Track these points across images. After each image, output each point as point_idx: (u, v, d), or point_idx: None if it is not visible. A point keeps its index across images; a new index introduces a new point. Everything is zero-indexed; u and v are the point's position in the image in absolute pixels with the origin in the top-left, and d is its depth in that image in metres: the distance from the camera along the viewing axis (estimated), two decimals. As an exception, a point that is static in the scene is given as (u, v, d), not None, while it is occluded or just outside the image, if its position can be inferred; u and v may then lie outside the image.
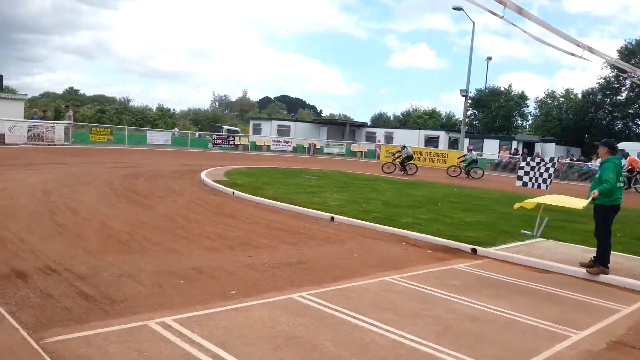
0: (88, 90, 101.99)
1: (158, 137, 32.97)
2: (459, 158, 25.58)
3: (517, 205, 7.70)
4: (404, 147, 24.35)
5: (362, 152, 39.95)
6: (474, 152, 24.86)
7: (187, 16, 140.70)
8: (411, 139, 42.92)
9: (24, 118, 24.81)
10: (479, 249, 7.74)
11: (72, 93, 77.10)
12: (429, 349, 4.02)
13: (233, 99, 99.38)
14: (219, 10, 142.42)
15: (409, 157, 23.93)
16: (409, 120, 60.87)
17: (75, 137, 26.82)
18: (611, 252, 6.79)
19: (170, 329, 4.04)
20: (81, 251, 6.11)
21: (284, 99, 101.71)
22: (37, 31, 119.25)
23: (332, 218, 9.78)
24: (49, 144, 23.53)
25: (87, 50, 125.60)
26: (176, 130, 44.58)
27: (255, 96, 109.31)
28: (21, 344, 3.46)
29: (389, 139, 44.50)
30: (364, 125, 50.48)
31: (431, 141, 43.27)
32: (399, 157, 24.17)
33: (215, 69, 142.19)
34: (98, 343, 3.67)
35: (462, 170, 24.05)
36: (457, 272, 6.63)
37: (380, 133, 46.48)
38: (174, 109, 66.39)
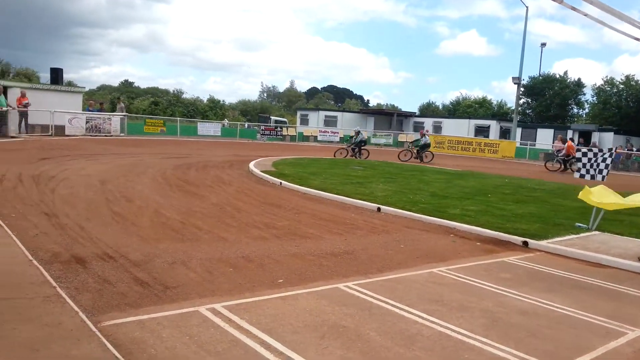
0: (142, 83, 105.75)
1: (208, 128, 33.73)
2: (411, 142, 24.72)
3: (601, 205, 7.60)
4: (358, 132, 23.02)
5: (409, 142, 39.45)
6: (427, 137, 23.85)
7: (236, 8, 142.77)
8: (461, 128, 42.05)
9: (82, 110, 25.92)
10: (531, 241, 7.52)
11: (127, 85, 79.90)
12: (476, 342, 3.97)
13: (281, 90, 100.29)
14: (266, 1, 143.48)
15: (363, 142, 22.83)
16: (459, 110, 59.58)
17: (129, 129, 27.82)
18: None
19: (220, 315, 4.16)
20: (136, 238, 6.37)
21: (331, 89, 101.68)
22: (95, 26, 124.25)
23: (379, 209, 9.75)
24: (105, 135, 24.52)
25: (141, 43, 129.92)
26: (226, 121, 45.44)
27: (302, 87, 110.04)
28: (80, 327, 3.66)
29: (437, 128, 43.73)
30: (411, 115, 49.80)
31: (482, 131, 42.21)
32: (415, 146, 23.81)
33: (263, 60, 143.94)
34: (152, 327, 3.84)
35: (413, 155, 23.10)
36: (507, 265, 6.49)
37: (428, 123, 45.72)
38: (223, 101, 67.68)
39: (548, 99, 48.92)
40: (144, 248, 5.94)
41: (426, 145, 23.39)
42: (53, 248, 5.59)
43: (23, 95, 21.32)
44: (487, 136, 40.46)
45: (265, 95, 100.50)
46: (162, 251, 5.87)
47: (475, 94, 78.75)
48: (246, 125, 43.51)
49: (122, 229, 6.85)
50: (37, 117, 22.19)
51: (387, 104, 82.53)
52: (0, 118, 19.21)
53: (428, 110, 66.96)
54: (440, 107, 68.54)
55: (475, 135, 40.74)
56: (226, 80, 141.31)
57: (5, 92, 20.85)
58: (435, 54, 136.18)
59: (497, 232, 7.97)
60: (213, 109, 59.34)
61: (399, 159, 22.77)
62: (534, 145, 36.37)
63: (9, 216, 6.76)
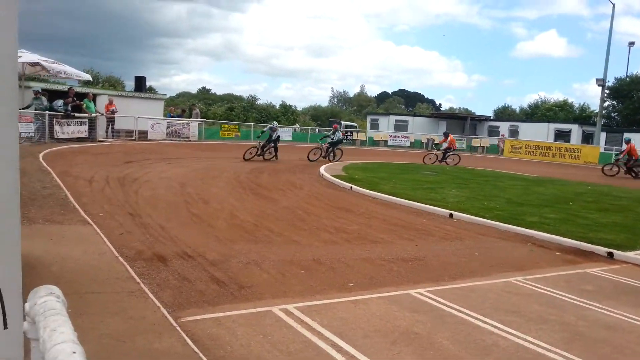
0: (218, 90, 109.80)
1: (280, 132, 34.35)
2: (321, 138, 21.83)
3: None
4: (334, 131, 21.22)
5: (483, 147, 38.21)
6: (338, 133, 21.56)
7: (308, 15, 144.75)
8: (539, 133, 40.16)
9: (163, 116, 27.30)
10: (617, 252, 7.05)
11: (204, 92, 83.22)
12: (556, 356, 3.79)
13: (351, 95, 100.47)
14: (337, 7, 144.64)
15: (339, 142, 20.92)
16: (537, 113, 56.97)
17: (206, 134, 28.94)
18: None
19: (292, 315, 4.24)
20: (212, 239, 6.63)
21: (401, 94, 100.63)
22: (174, 35, 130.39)
23: (451, 215, 9.52)
24: (184, 140, 25.68)
25: (217, 51, 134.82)
26: (297, 126, 46.18)
27: (372, 91, 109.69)
28: (162, 321, 3.86)
29: (514, 133, 42.02)
30: (486, 119, 48.19)
31: (562, 135, 40.07)
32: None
33: (334, 65, 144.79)
34: (227, 325, 3.98)
35: (323, 152, 20.46)
36: (590, 277, 6.12)
37: (504, 127, 44.02)
38: (295, 106, 68.77)
39: (636, 101, 45.68)
40: (220, 248, 6.17)
41: (339, 142, 21.20)
42: (137, 246, 5.93)
43: (110, 102, 22.81)
44: (568, 141, 38.34)
45: (335, 100, 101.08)
46: (237, 252, 6.06)
47: (555, 96, 75.22)
48: (317, 129, 43.98)
49: (200, 229, 7.15)
50: (123, 123, 23.61)
51: (460, 107, 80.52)
52: (90, 123, 20.65)
53: (504, 113, 64.55)
54: (517, 110, 65.91)
55: (555, 140, 38.72)
56: (297, 85, 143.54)
57: (94, 99, 22.42)
58: (511, 56, 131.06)
59: (579, 242, 7.54)
60: (285, 114, 60.52)
61: (308, 158, 19.84)
62: (620, 150, 34.04)
63: (97, 215, 7.25)
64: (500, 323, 4.38)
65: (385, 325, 4.21)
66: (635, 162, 20.87)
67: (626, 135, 35.63)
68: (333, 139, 20.74)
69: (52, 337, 1.05)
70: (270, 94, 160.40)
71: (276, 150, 19.06)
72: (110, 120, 22.72)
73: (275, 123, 20.41)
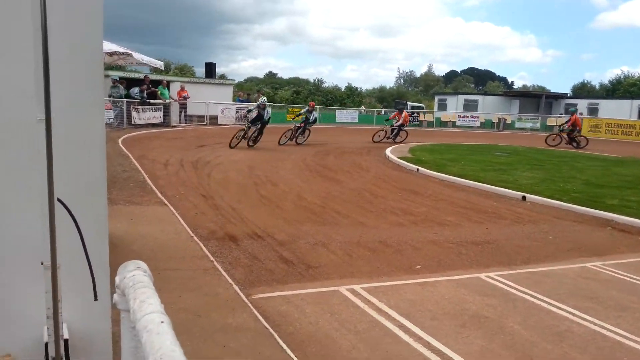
0: (284, 74, 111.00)
1: (346, 115, 34.40)
2: (297, 115, 19.01)
3: None
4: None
5: (559, 126, 36.31)
6: (315, 113, 18.71)
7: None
8: (621, 110, 37.56)
9: (232, 101, 28.02)
10: None
11: (271, 77, 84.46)
12: (636, 345, 3.62)
13: (418, 75, 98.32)
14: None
15: (313, 122, 18.21)
16: (619, 89, 53.25)
17: (273, 117, 29.42)
18: None
19: (359, 295, 4.30)
20: (281, 220, 6.79)
21: (471, 72, 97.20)
22: (242, 21, 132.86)
23: (524, 197, 9.17)
24: (252, 124, 26.30)
25: (283, 35, 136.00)
26: (362, 108, 45.90)
27: (440, 70, 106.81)
28: (234, 298, 4.04)
29: (593, 111, 39.55)
30: (562, 96, 45.63)
31: (647, 112, 37.28)
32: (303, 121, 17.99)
33: (400, 45, 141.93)
34: (296, 303, 4.10)
35: (293, 131, 17.83)
36: (677, 264, 5.73)
37: (582, 105, 41.47)
38: (360, 88, 68.39)
39: None
40: (288, 229, 6.31)
41: (314, 121, 18.75)
42: (210, 226, 6.19)
43: (182, 89, 23.72)
44: (655, 118, 35.62)
45: (401, 80, 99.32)
46: (305, 233, 6.18)
47: (640, 70, 69.69)
48: (382, 111, 43.52)
49: (269, 210, 7.34)
50: (194, 108, 24.49)
51: (533, 85, 76.83)
52: (164, 109, 21.57)
53: (582, 90, 60.90)
54: (597, 86, 61.94)
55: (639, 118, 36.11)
56: (362, 67, 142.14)
57: (168, 86, 23.40)
58: (590, 28, 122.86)
59: (666, 226, 7.06)
60: (350, 97, 60.33)
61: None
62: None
63: (173, 197, 7.62)
64: (576, 309, 4.22)
65: (454, 308, 4.18)
66: (578, 132, 21.18)
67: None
68: (309, 118, 18.02)
69: (142, 308, 1.14)
70: (336, 77, 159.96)
71: (260, 133, 15.80)
72: (183, 106, 23.62)
73: (264, 98, 16.88)
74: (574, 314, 4.13)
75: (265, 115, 15.99)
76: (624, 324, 3.96)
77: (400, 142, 19.65)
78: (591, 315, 4.10)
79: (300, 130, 17.70)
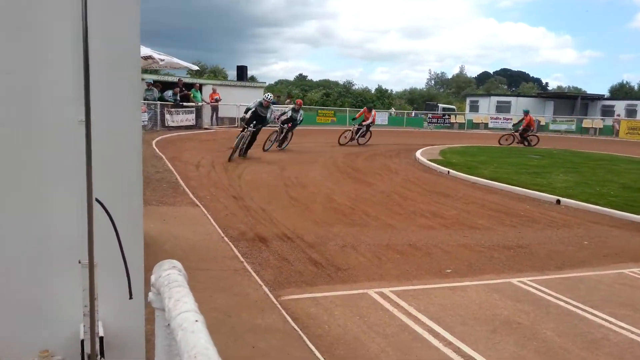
0: (315, 76, 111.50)
1: (376, 117, 34.29)
2: (282, 114, 16.41)
3: None
4: (296, 109, 16.09)
5: (596, 128, 35.29)
6: (301, 112, 16.22)
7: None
8: (662, 111, 36.33)
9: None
10: None
11: (301, 79, 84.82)
12: (677, 356, 3.49)
13: (449, 77, 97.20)
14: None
15: (294, 123, 15.50)
16: (660, 90, 51.51)
17: (304, 119, 29.61)
18: None
19: (388, 299, 4.28)
20: (310, 222, 6.82)
21: (504, 73, 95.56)
22: (273, 25, 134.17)
23: (558, 201, 8.96)
24: (282, 126, 26.47)
25: (313, 38, 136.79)
26: (392, 110, 45.66)
27: (472, 72, 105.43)
28: (264, 299, 4.07)
29: (631, 112, 38.33)
30: (599, 97, 44.39)
31: (690, 114, 35.94)
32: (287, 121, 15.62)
33: (431, 47, 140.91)
34: (325, 305, 4.11)
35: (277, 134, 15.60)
36: None
37: (620, 106, 40.29)
38: (391, 90, 68.00)
39: None
40: (318, 231, 6.33)
41: (299, 122, 16.27)
42: (240, 227, 6.27)
43: (214, 91, 24.11)
44: (701, 119, 34.30)
45: (432, 82, 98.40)
46: (334, 234, 6.19)
47: (685, 70, 67.08)
48: (413, 113, 43.20)
49: (298, 212, 7.38)
50: (225, 111, 24.82)
51: (569, 86, 74.97)
52: (197, 112, 21.93)
53: (620, 92, 59.12)
54: (636, 87, 60.03)
55: (682, 119, 34.80)
56: (393, 69, 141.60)
57: (200, 89, 23.79)
58: (629, 27, 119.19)
59: None
60: (380, 99, 60.04)
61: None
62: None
63: (204, 198, 7.74)
64: (612, 316, 4.10)
65: (485, 313, 4.12)
66: (531, 132, 21.82)
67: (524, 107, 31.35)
68: (295, 119, 15.78)
69: (177, 306, 1.17)
70: (366, 79, 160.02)
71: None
72: (215, 109, 23.96)
73: (268, 95, 13.67)
74: (609, 322, 4.02)
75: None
76: (664, 333, 3.83)
77: (364, 144, 18.17)
78: (628, 323, 3.98)
79: (281, 134, 15.45)
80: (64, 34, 1.85)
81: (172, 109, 20.44)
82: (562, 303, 4.37)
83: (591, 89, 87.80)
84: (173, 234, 5.59)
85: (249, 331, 3.50)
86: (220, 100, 24.09)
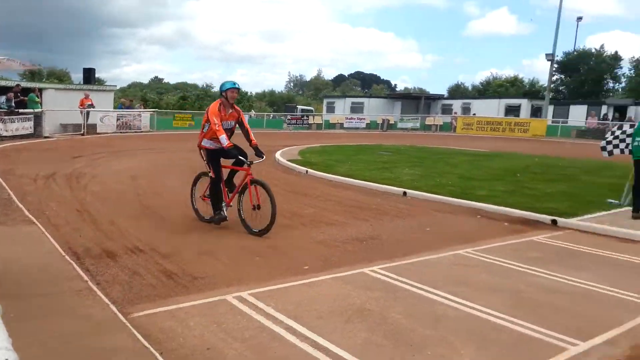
0: (171, 79, 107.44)
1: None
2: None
3: None
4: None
5: (437, 125, 38.96)
6: (252, 112, 19.32)
7: (262, 0, 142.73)
8: (491, 108, 41.20)
9: (114, 108, 26.47)
10: (560, 220, 7.38)
11: (156, 82, 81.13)
12: (502, 321, 3.95)
13: (308, 79, 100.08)
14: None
15: None
16: (489, 90, 58.38)
17: (159, 124, 28.25)
18: None
19: (247, 302, 4.24)
20: (165, 231, 6.51)
21: (357, 76, 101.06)
22: (126, 25, 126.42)
23: (405, 193, 9.69)
24: (135, 132, 25.00)
25: (170, 40, 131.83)
26: (252, 112, 45.69)
27: (329, 75, 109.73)
28: (111, 318, 3.79)
29: (466, 110, 42.98)
30: (439, 97, 49.08)
31: (512, 110, 41.24)
32: None
33: (289, 50, 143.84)
34: (180, 317, 3.94)
35: None
36: (535, 244, 6.39)
37: (457, 105, 44.98)
38: (250, 92, 68.04)
39: (582, 75, 47.38)
40: (173, 240, 6.07)
41: None
42: (85, 243, 5.76)
43: (87, 97, 22.40)
44: (518, 115, 39.51)
45: (291, 85, 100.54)
46: (191, 243, 5.99)
47: (506, 73, 76.81)
48: (271, 115, 43.68)
49: (152, 222, 7.02)
50: (68, 117, 22.78)
51: (414, 87, 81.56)
52: (36, 119, 19.78)
53: (457, 92, 65.81)
54: (470, 88, 67.28)
55: (506, 115, 39.82)
56: (252, 71, 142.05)
57: (40, 94, 21.60)
58: (464, 35, 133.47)
59: (525, 212, 7.84)
60: (240, 101, 59.79)
61: None
62: (566, 122, 35.39)
63: (43, 214, 7.00)
64: (451, 294, 4.51)
65: (340, 304, 4.28)
66: None
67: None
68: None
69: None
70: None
71: None
72: (87, 115, 22.39)
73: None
74: (449, 299, 4.41)
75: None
76: (492, 303, 4.31)
77: None
78: (463, 299, 4.41)
79: None
80: None
81: (6, 117, 18.25)
82: (408, 287, 4.71)
83: (433, 89, 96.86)
84: (4, 258, 4.96)
85: (94, 356, 3.22)
86: (93, 107, 22.49)
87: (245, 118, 7.22)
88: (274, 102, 73.13)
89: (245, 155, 6.73)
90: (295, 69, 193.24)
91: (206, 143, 6.80)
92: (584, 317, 4.08)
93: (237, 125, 7.04)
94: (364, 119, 39.17)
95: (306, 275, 5.02)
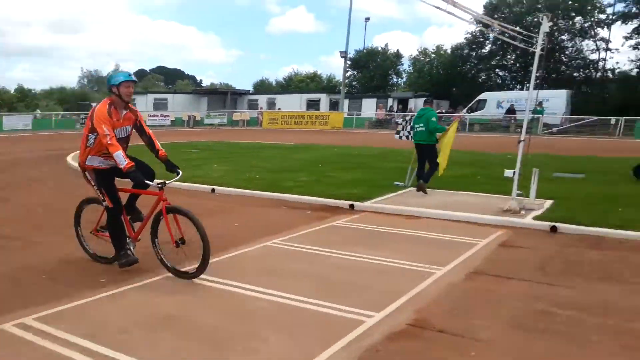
0: None
1: (16, 121, 29.98)
2: None
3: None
4: None
5: (244, 120, 39.45)
6: (38, 111, 18.85)
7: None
8: (293, 103, 43.15)
9: None
10: (356, 204, 8.04)
11: None
12: (310, 305, 4.13)
13: (104, 74, 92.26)
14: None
15: None
16: (291, 85, 60.94)
17: None
18: (472, 193, 7.42)
19: (31, 329, 3.71)
20: None
21: (160, 71, 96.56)
22: None
23: (213, 190, 9.57)
24: None
25: None
26: (38, 112, 40.48)
27: (129, 69, 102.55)
28: None
29: (271, 105, 44.34)
30: (245, 93, 49.73)
31: (313, 104, 43.82)
32: None
33: (82, 43, 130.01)
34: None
35: None
36: (336, 229, 6.85)
37: (262, 100, 46.13)
38: (34, 90, 60.20)
39: (372, 71, 52.37)
40: None
41: None
42: None
43: None
44: (318, 109, 42.14)
45: (85, 81, 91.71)
46: (-44, 268, 5.03)
47: (306, 69, 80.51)
48: (60, 115, 39.32)
49: None
50: None
51: (221, 83, 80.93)
52: None
53: (262, 87, 67.29)
54: (274, 83, 69.33)
55: (308, 109, 42.15)
56: (37, 66, 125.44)
57: None
58: (266, 31, 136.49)
59: (326, 199, 8.37)
60: (23, 100, 52.51)
61: None
62: (360, 114, 38.89)
63: None
64: (261, 286, 4.55)
65: (144, 314, 4.01)
66: None
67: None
68: None
69: None
70: (4, 77, 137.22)
71: None
72: None
73: None
74: (261, 292, 4.44)
75: None
76: (301, 289, 4.46)
77: None
78: (274, 289, 4.47)
79: None
80: None
81: None
82: (218, 285, 4.62)
83: (239, 84, 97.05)
84: None
85: None
86: None
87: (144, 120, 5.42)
88: (66, 99, 65.96)
89: (152, 175, 5.20)
90: (91, 63, 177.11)
91: (93, 161, 5.08)
92: (379, 290, 4.49)
93: (133, 131, 5.36)
94: (168, 115, 37.76)
95: (105, 287, 4.59)
